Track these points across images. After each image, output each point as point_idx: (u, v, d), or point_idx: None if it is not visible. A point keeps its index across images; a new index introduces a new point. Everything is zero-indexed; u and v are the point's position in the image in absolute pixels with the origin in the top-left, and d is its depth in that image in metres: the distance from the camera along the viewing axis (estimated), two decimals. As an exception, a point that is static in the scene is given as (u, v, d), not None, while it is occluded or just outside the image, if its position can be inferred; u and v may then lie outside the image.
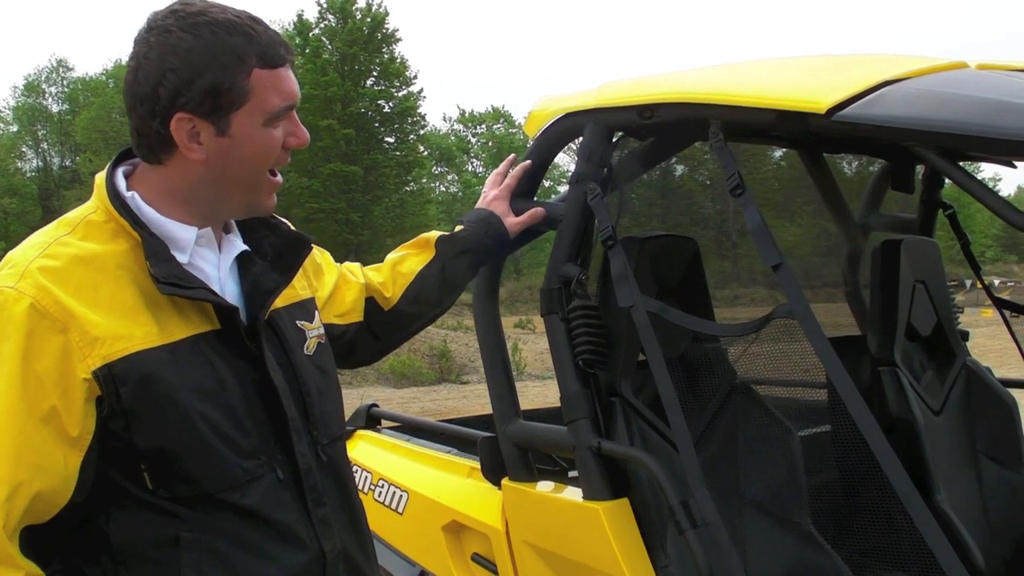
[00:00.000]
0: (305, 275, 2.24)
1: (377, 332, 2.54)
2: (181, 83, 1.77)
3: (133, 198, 1.87)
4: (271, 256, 2.04)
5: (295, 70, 1.93)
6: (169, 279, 1.79)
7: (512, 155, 2.69)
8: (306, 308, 2.16)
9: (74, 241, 1.81)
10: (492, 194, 2.84)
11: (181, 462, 1.78)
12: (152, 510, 1.78)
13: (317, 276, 2.36)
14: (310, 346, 2.09)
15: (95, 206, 1.87)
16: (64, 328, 1.70)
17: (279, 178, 1.95)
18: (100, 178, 1.90)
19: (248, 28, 1.82)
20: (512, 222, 2.78)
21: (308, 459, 1.97)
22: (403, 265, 2.63)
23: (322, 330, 2.18)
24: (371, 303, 2.52)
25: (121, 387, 1.72)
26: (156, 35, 1.79)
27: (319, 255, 2.40)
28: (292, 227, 2.14)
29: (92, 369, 1.71)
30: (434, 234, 2.72)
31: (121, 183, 1.89)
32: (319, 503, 1.97)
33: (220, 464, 1.81)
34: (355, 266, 2.61)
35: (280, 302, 2.04)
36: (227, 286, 1.95)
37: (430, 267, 2.62)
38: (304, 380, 2.01)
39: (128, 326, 1.76)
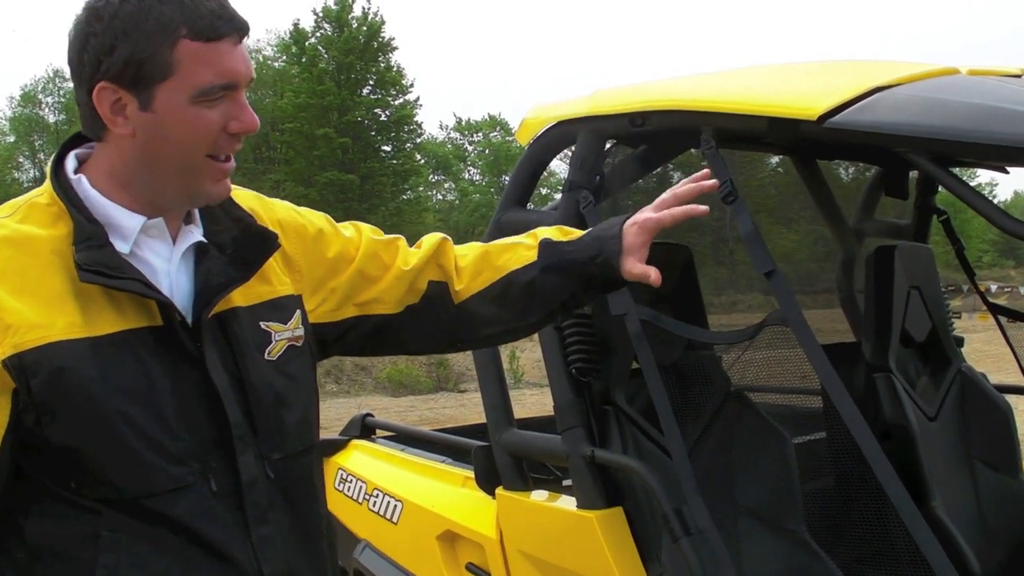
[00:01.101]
0: (290, 268, 1.99)
1: (438, 322, 2.18)
2: (102, 49, 1.64)
3: (79, 181, 1.74)
4: (230, 250, 1.84)
5: (247, 49, 1.72)
6: (93, 267, 1.63)
7: (706, 171, 2.15)
8: (281, 307, 1.91)
9: (11, 223, 1.69)
10: (645, 215, 2.12)
11: (99, 464, 1.63)
12: (73, 507, 1.65)
13: (315, 262, 2.05)
14: (275, 350, 1.86)
15: (43, 189, 1.76)
16: None
17: (230, 163, 1.76)
18: (51, 161, 1.78)
19: None
20: (631, 264, 2.08)
21: (253, 471, 1.77)
22: (499, 258, 2.21)
23: (300, 332, 1.93)
24: (437, 288, 2.17)
25: (32, 379, 1.58)
26: (91, 0, 1.66)
27: (327, 229, 2.09)
28: (259, 221, 1.92)
29: (2, 358, 1.58)
30: (545, 231, 2.26)
31: (70, 164, 1.77)
32: (262, 520, 1.77)
33: (142, 469, 1.64)
34: (412, 248, 2.23)
35: (243, 300, 1.83)
36: (178, 281, 1.77)
37: (525, 272, 2.17)
38: (255, 386, 1.80)
39: (50, 315, 1.62)
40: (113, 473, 1.64)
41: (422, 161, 55.80)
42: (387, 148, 49.42)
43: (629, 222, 2.11)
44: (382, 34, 48.23)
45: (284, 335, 1.89)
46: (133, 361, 1.66)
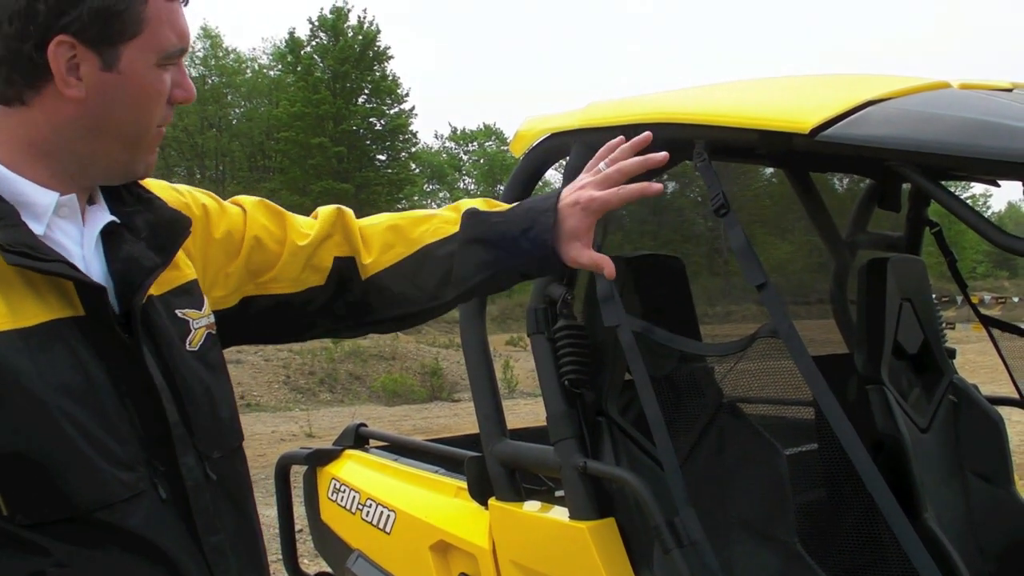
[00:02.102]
0: (187, 252, 1.80)
1: (345, 302, 2.00)
2: (65, 3, 1.46)
3: None
4: (145, 234, 1.66)
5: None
6: (18, 248, 1.43)
7: (647, 134, 1.95)
8: (191, 293, 1.75)
9: None
10: (588, 192, 1.87)
11: (45, 472, 1.42)
12: (8, 544, 1.41)
13: (206, 241, 1.88)
14: (194, 339, 1.70)
15: None
16: None
17: (159, 138, 1.64)
18: None
19: None
20: (577, 252, 1.87)
21: (196, 474, 1.60)
22: (415, 230, 2.03)
23: (212, 319, 1.77)
24: (344, 264, 1.99)
25: None
26: None
27: (212, 207, 1.91)
28: (168, 204, 1.76)
29: None
30: (469, 203, 2.07)
31: None
32: (211, 530, 1.61)
33: (93, 475, 1.45)
34: (306, 219, 2.05)
35: (155, 288, 1.64)
36: (92, 266, 1.58)
37: (444, 244, 1.98)
38: (185, 380, 1.63)
39: None
40: (62, 482, 1.43)
41: (417, 170, 55.90)
42: (382, 157, 49.54)
43: (569, 199, 1.87)
44: (377, 43, 48.38)
45: (201, 323, 1.74)
46: (66, 354, 1.47)
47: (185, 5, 1.60)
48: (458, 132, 77.52)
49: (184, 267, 1.76)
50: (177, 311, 1.69)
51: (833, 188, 3.96)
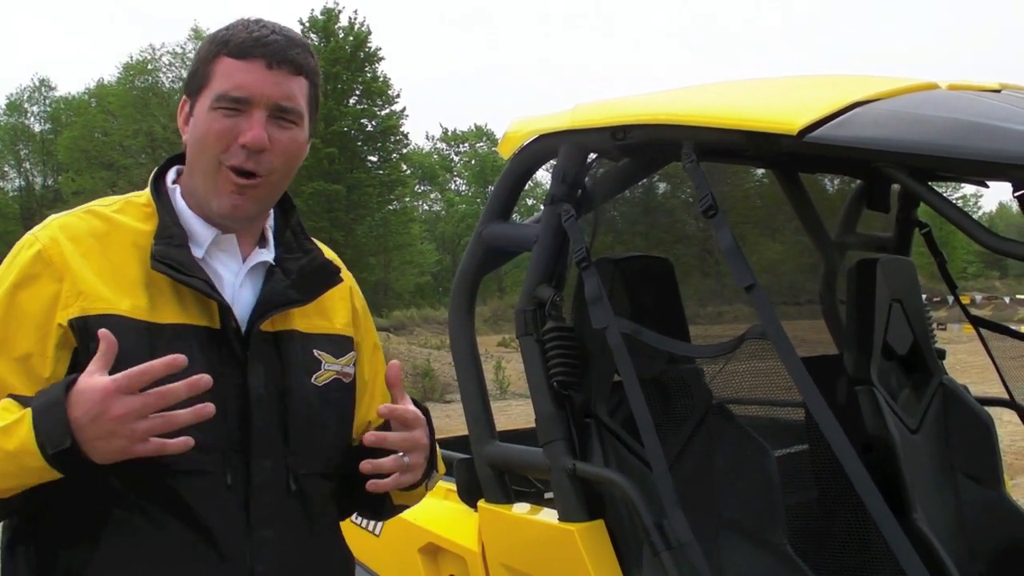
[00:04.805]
0: (356, 318, 2.15)
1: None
2: (189, 71, 1.96)
3: (174, 190, 1.97)
4: (294, 276, 1.99)
5: (282, 78, 1.88)
6: (165, 260, 1.82)
7: None
8: (337, 343, 2.06)
9: (106, 212, 1.91)
10: None
11: None
12: (89, 482, 1.70)
13: (367, 345, 2.18)
14: (322, 377, 2.00)
15: (143, 192, 1.98)
16: (60, 278, 1.78)
17: (245, 180, 1.88)
18: (155, 170, 2.02)
19: (246, 26, 1.90)
20: None
21: (267, 476, 1.86)
22: None
23: (350, 370, 2.07)
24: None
25: (92, 342, 1.70)
26: None
27: (378, 346, 2.25)
28: (326, 255, 2.11)
29: (69, 318, 1.76)
30: None
31: (170, 175, 2.01)
32: (266, 523, 1.86)
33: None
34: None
35: (303, 327, 1.99)
36: (241, 294, 1.94)
37: None
38: (295, 402, 1.92)
39: (119, 294, 1.79)
40: None
41: (408, 171, 55.77)
42: (373, 158, 49.42)
43: None
44: (368, 44, 48.25)
45: (334, 367, 2.03)
46: (183, 352, 1.69)
47: (270, 68, 1.87)
48: (449, 133, 77.59)
49: (338, 322, 2.09)
50: (315, 350, 2.00)
51: (822, 189, 3.95)
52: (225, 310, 1.86)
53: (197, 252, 1.90)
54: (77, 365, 1.74)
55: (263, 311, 1.91)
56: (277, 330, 1.94)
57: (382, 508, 2.18)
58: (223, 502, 1.82)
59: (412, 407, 1.97)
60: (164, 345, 1.75)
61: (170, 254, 1.83)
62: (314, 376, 1.98)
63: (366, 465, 1.86)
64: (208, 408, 1.65)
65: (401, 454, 1.90)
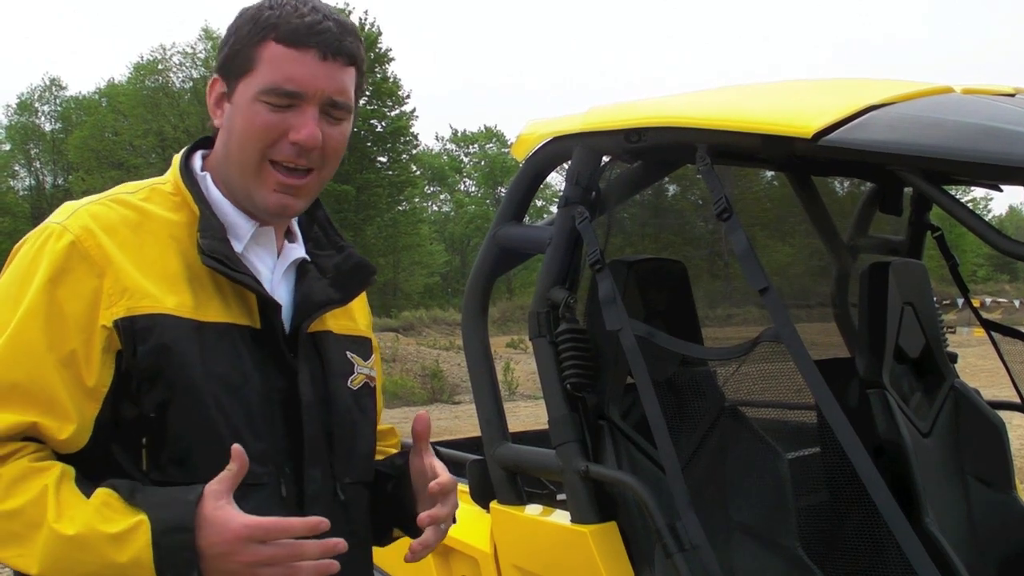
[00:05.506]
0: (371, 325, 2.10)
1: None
2: (222, 45, 1.80)
3: (205, 178, 1.84)
4: (331, 275, 1.92)
5: (337, 69, 1.76)
6: (216, 255, 1.70)
7: None
8: (362, 345, 2.00)
9: (134, 200, 1.77)
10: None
11: (184, 443, 1.65)
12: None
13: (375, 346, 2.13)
14: (355, 381, 1.93)
15: (166, 179, 1.84)
16: (101, 273, 1.64)
17: (293, 179, 1.78)
18: (177, 156, 1.87)
19: (295, 8, 1.74)
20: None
21: (318, 486, 1.79)
22: None
23: (374, 373, 2.01)
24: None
25: (140, 344, 1.62)
26: None
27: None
28: (357, 253, 2.02)
29: (115, 318, 1.62)
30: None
31: (196, 162, 1.87)
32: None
33: (222, 456, 1.58)
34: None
35: (335, 327, 1.92)
36: (277, 290, 1.83)
37: None
38: (338, 409, 1.86)
39: (163, 291, 1.67)
40: (196, 455, 1.65)
41: (418, 172, 55.86)
42: (383, 159, 49.51)
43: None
44: (379, 45, 48.29)
45: (363, 370, 1.97)
46: (231, 354, 1.70)
47: (324, 59, 1.74)
48: (459, 134, 77.62)
49: (361, 323, 2.04)
50: (348, 352, 1.94)
51: (835, 192, 3.95)
52: (272, 309, 1.76)
53: (237, 246, 1.78)
54: (119, 369, 1.64)
55: (307, 311, 1.83)
56: (315, 331, 1.86)
57: (384, 540, 2.15)
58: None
59: (442, 467, 1.91)
60: (211, 345, 1.68)
61: (217, 248, 1.72)
62: (349, 380, 1.91)
63: (424, 518, 1.79)
64: (333, 566, 1.57)
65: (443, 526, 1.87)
